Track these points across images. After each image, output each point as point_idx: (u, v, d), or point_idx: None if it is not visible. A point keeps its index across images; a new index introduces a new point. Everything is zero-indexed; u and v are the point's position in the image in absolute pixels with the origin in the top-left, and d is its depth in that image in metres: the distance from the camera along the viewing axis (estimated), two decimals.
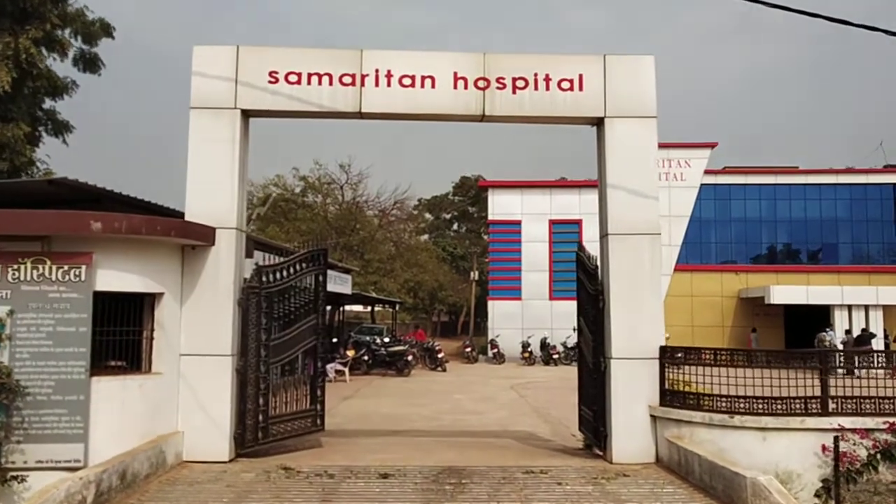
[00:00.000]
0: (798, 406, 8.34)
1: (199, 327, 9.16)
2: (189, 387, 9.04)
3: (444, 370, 29.60)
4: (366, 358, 27.32)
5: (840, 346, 27.14)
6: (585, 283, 10.38)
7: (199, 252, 9.24)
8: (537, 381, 26.48)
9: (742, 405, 8.43)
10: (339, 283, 25.58)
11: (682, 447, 8.35)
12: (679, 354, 9.05)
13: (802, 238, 39.24)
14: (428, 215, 70.85)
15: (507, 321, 37.12)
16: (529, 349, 34.56)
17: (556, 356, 34.36)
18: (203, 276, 9.24)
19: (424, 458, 9.73)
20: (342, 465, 8.99)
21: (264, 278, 9.68)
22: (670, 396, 9.05)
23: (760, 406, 8.36)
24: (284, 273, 10.03)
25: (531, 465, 9.07)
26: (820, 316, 33.34)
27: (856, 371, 9.24)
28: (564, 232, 38.17)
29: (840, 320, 33.03)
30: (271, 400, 9.69)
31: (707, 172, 38.22)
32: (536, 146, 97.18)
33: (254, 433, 9.39)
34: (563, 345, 34.95)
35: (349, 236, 40.82)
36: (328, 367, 24.72)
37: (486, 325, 40.53)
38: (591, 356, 9.91)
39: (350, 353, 25.67)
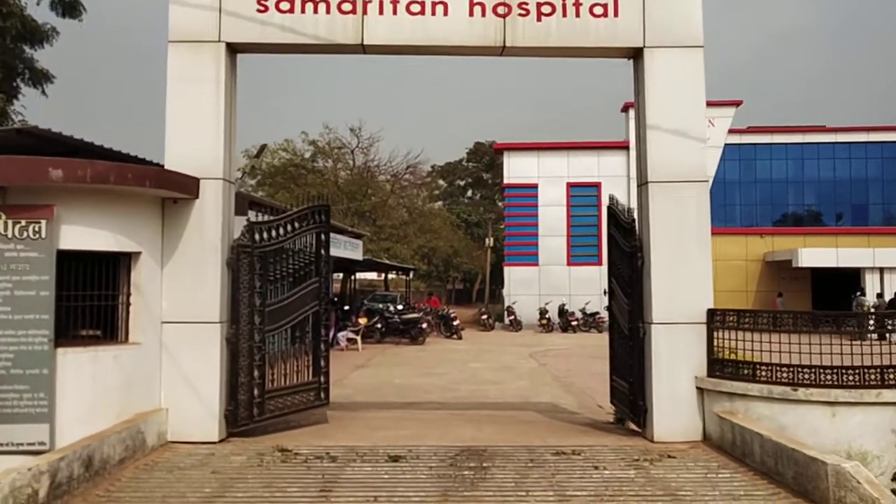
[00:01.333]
0: (873, 377, 7.17)
1: (183, 291, 8.09)
2: (172, 358, 8.00)
3: (460, 338, 28.64)
4: (379, 326, 26.35)
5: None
6: (619, 240, 9.21)
7: (181, 206, 8.14)
8: (556, 348, 25.46)
9: (807, 376, 7.26)
10: (349, 249, 24.55)
11: (738, 424, 7.22)
12: (731, 318, 7.88)
13: (831, 199, 37.70)
14: (441, 182, 69.68)
15: (523, 287, 36.06)
16: (547, 316, 33.51)
17: (574, 323, 33.31)
18: (187, 233, 8.14)
19: (440, 436, 8.69)
20: (347, 446, 7.95)
21: (257, 236, 8.58)
22: (720, 366, 7.90)
23: (829, 377, 7.20)
24: (281, 230, 8.92)
25: (561, 445, 7.99)
26: (848, 279, 32.03)
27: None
28: (583, 195, 36.91)
29: (871, 283, 31.67)
30: (268, 372, 8.64)
31: (731, 132, 36.67)
32: (553, 108, 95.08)
33: (248, 410, 8.36)
34: (582, 311, 33.89)
35: (361, 202, 39.70)
36: (340, 335, 23.81)
37: (502, 292, 39.47)
38: (626, 321, 8.78)
39: (362, 320, 24.69)
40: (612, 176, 36.42)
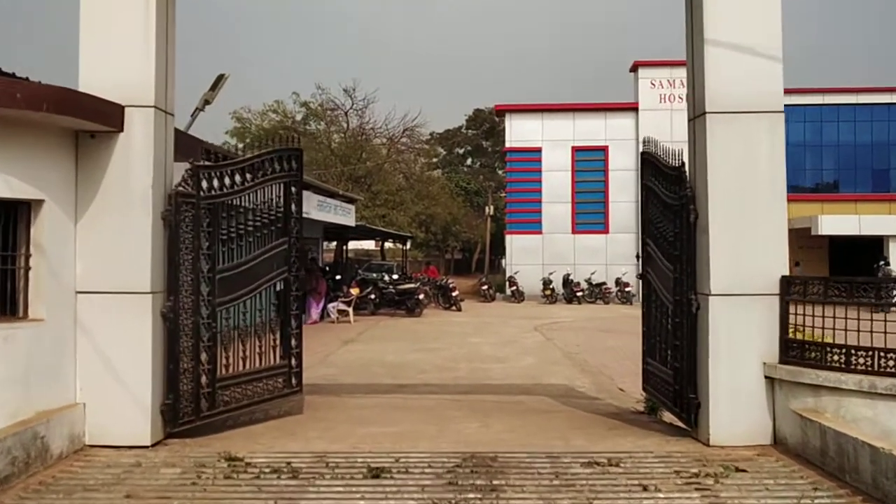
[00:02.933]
0: None
1: (104, 253, 6.26)
2: (90, 339, 6.20)
3: (459, 309, 26.94)
4: (373, 297, 24.63)
5: None
6: (659, 191, 7.39)
7: (101, 143, 6.28)
8: (562, 321, 23.77)
9: None
10: (340, 214, 22.75)
11: (832, 429, 5.44)
12: (815, 288, 6.06)
13: (851, 164, 35.79)
14: (440, 149, 67.81)
15: (526, 257, 34.31)
16: (551, 286, 31.81)
17: (579, 294, 31.63)
18: (108, 177, 6.29)
19: (436, 436, 6.94)
20: (316, 453, 6.17)
21: (206, 184, 6.74)
22: (798, 350, 6.12)
23: None
24: (237, 178, 7.09)
25: (592, 451, 6.24)
26: (867, 248, 30.32)
27: None
28: (589, 160, 35.01)
29: (894, 252, 29.98)
30: (220, 355, 6.87)
31: None
32: (556, 68, 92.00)
33: (192, 403, 6.58)
34: (588, 281, 32.20)
35: (355, 166, 37.76)
36: (330, 306, 22.08)
37: (503, 262, 37.77)
38: (669, 293, 6.99)
39: (354, 291, 22.95)
40: (620, 139, 34.51)
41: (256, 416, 7.64)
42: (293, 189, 7.83)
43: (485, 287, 33.58)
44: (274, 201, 7.62)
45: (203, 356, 6.64)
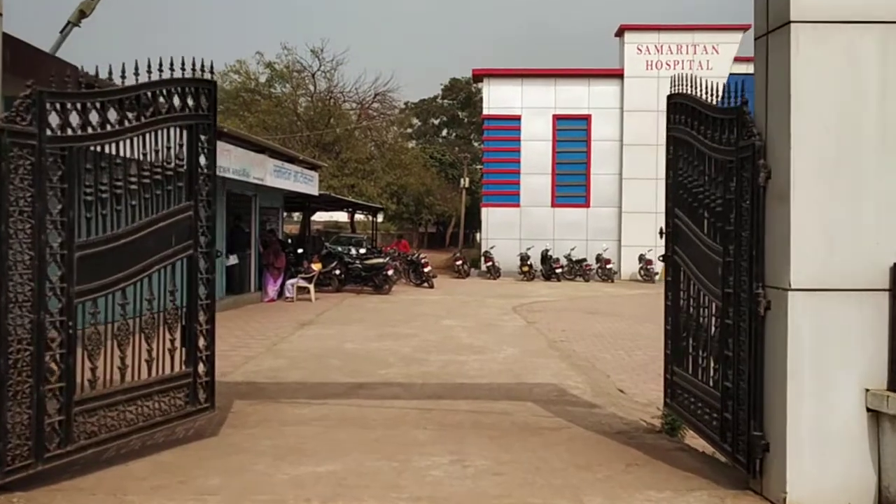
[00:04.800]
0: None
1: None
2: None
3: (431, 286, 25.00)
4: (337, 272, 22.56)
5: None
6: (698, 143, 5.41)
7: None
8: (543, 300, 21.94)
9: None
10: (302, 181, 20.59)
11: None
12: None
13: None
14: (415, 120, 65.77)
15: (502, 231, 32.40)
16: (529, 262, 29.96)
17: (559, 270, 29.84)
18: None
19: (391, 484, 4.95)
20: None
21: (57, 120, 4.61)
22: None
23: None
24: (112, 115, 4.97)
25: None
26: None
27: None
28: (570, 129, 33.06)
29: None
30: (83, 366, 4.80)
31: (738, 60, 32.74)
32: (535, 25, 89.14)
33: (31, 439, 4.49)
34: (567, 258, 30.42)
35: (323, 132, 35.38)
36: (288, 283, 20.00)
37: (478, 237, 35.85)
38: (714, 283, 5.01)
39: (316, 266, 20.86)
40: (603, 108, 32.59)
41: (154, 442, 5.61)
42: (203, 136, 5.74)
43: (459, 262, 31.68)
44: (173, 151, 5.53)
45: (53, 368, 4.56)
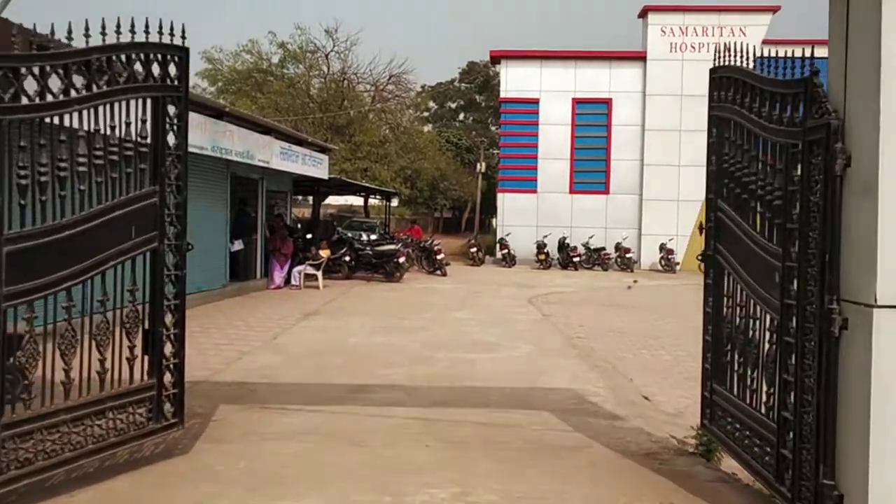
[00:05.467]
0: None
1: None
2: None
3: (444, 274, 24.23)
4: (347, 259, 21.83)
5: None
6: (746, 121, 4.56)
7: None
8: (559, 290, 21.10)
9: None
10: (310, 165, 19.83)
11: None
12: None
13: None
14: (432, 104, 64.86)
15: (519, 217, 31.53)
16: (546, 251, 29.09)
17: (576, 259, 28.98)
18: None
19: None
20: None
21: None
22: None
23: None
24: (56, 82, 4.20)
25: None
26: None
27: None
28: (590, 113, 32.04)
29: None
30: (14, 382, 4.06)
31: (766, 42, 31.54)
32: (554, 14, 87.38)
33: None
34: (585, 246, 29.52)
35: (336, 114, 34.54)
36: (295, 270, 19.28)
37: (494, 222, 34.97)
38: (770, 291, 4.17)
39: (324, 253, 20.12)
40: (625, 91, 31.52)
41: (114, 462, 4.88)
42: (171, 109, 4.95)
43: (473, 249, 30.86)
44: (134, 128, 4.75)
45: None
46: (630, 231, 31.02)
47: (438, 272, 24.40)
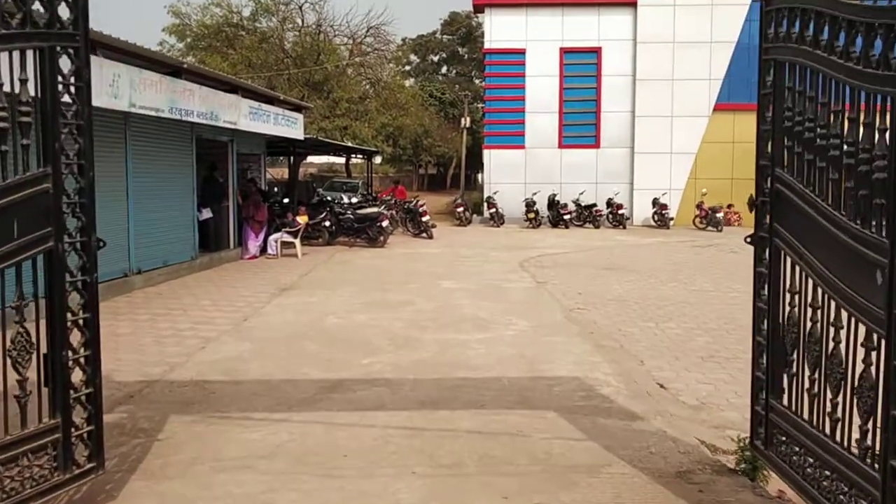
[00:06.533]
0: None
1: None
2: None
3: (430, 237, 23.16)
4: (327, 224, 20.68)
5: None
6: (823, 64, 3.45)
7: None
8: (552, 252, 20.07)
9: None
10: (284, 125, 18.48)
11: None
12: None
13: None
14: (413, 57, 63.13)
15: (506, 174, 30.41)
16: (535, 209, 28.01)
17: (567, 216, 27.95)
18: None
19: None
20: None
21: None
22: None
23: None
24: None
25: None
26: None
27: None
28: (579, 63, 30.71)
29: None
30: None
31: None
32: None
33: None
34: (576, 202, 28.50)
35: (312, 70, 32.91)
36: (271, 238, 18.10)
37: (479, 177, 33.78)
38: (868, 296, 3.06)
39: (302, 219, 18.92)
40: (615, 39, 30.17)
41: None
42: (66, 65, 3.75)
43: (460, 209, 29.74)
44: (11, 90, 3.55)
45: None
46: (622, 186, 29.99)
47: (424, 235, 23.32)
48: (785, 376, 3.89)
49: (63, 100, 3.70)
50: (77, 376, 3.85)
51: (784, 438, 3.91)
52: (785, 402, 3.89)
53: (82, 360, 3.83)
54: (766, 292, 4.10)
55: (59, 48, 3.72)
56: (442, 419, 5.98)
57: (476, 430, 5.68)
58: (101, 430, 3.94)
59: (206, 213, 16.04)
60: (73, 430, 3.80)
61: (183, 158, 14.55)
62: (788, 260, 3.89)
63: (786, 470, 3.88)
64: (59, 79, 3.71)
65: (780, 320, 3.97)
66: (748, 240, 4.27)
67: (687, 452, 5.27)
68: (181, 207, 14.59)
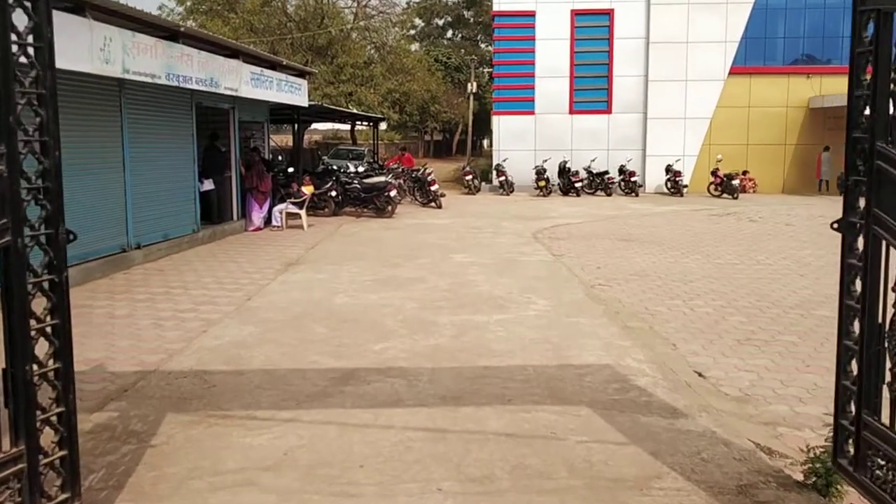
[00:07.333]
0: None
1: None
2: None
3: (439, 206, 22.49)
4: (333, 194, 20.02)
5: None
6: None
7: None
8: (565, 222, 19.41)
9: None
10: (287, 91, 17.73)
11: None
12: None
13: None
14: (418, 20, 61.62)
15: (515, 141, 29.62)
16: (545, 176, 27.26)
17: (578, 184, 27.21)
18: None
19: None
20: None
21: None
22: None
23: None
24: None
25: None
26: None
27: None
28: (590, 26, 29.70)
29: None
30: None
31: None
32: None
33: None
34: (587, 170, 27.72)
35: (315, 34, 31.93)
36: (276, 210, 17.47)
37: (487, 143, 32.95)
38: None
39: (307, 189, 18.25)
40: (627, 1, 29.11)
41: None
42: (22, 20, 3.09)
43: (469, 177, 29.00)
44: None
45: None
46: (634, 153, 29.19)
47: (433, 204, 22.65)
48: (886, 389, 3.27)
49: (20, 62, 3.03)
50: (46, 393, 3.25)
51: (882, 461, 3.30)
52: (886, 420, 3.28)
53: (51, 374, 3.24)
54: (857, 288, 3.46)
55: (12, 1, 3.05)
56: (466, 418, 5.41)
57: (505, 433, 5.11)
58: (75, 454, 3.36)
59: (208, 185, 15.40)
60: (41, 457, 3.20)
61: (182, 127, 13.86)
62: (891, 251, 3.25)
63: (885, 500, 3.27)
64: (13, 38, 3.05)
65: (879, 322, 3.34)
66: (835, 226, 3.62)
67: (743, 459, 4.70)
68: (181, 178, 13.95)
